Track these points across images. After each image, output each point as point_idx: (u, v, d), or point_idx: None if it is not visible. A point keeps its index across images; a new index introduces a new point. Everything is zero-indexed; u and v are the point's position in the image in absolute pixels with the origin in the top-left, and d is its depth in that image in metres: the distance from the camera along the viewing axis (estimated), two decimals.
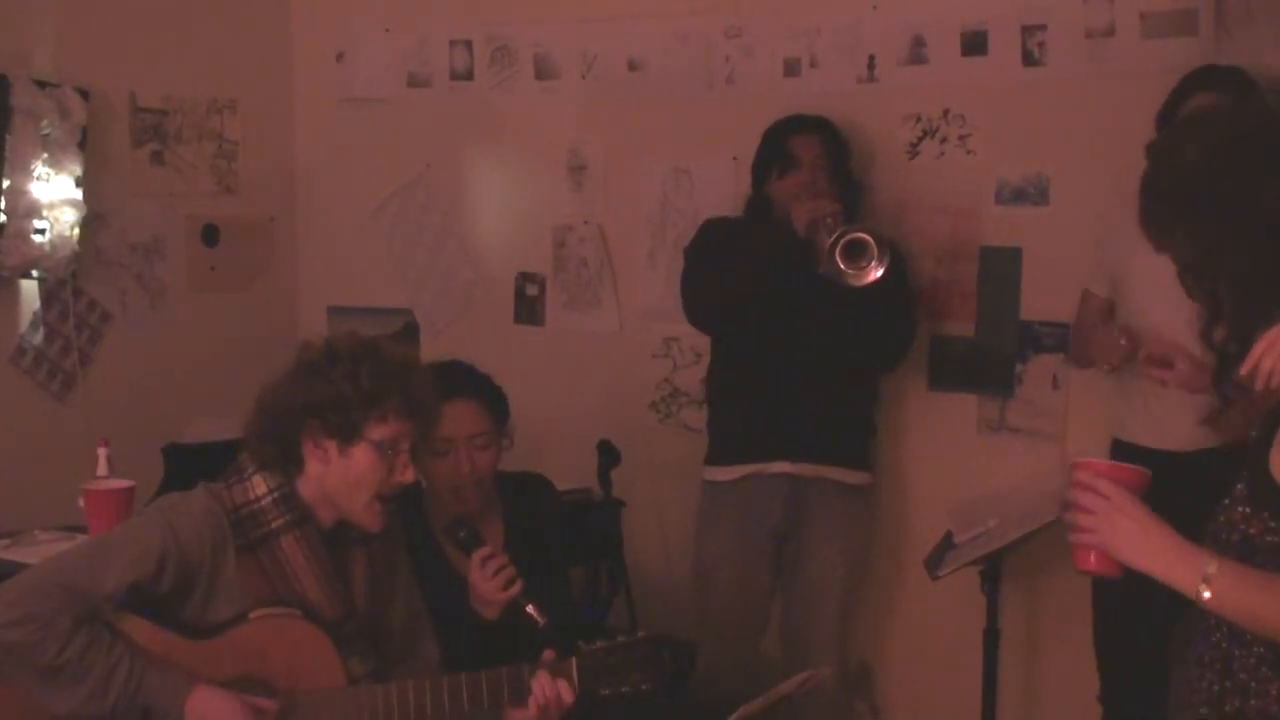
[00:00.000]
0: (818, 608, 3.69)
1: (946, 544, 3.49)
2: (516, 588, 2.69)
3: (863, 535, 3.78)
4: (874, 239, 3.35)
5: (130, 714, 2.21)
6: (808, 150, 3.64)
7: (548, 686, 2.38)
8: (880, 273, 3.35)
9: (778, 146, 3.68)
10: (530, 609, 2.64)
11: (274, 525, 2.38)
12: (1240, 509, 1.81)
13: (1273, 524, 1.77)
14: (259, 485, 2.39)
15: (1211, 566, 1.74)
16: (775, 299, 3.51)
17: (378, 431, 2.36)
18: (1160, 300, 3.23)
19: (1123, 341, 3.22)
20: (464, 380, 2.95)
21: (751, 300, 3.53)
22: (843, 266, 3.35)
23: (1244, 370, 1.79)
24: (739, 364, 3.71)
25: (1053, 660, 3.79)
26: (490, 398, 2.97)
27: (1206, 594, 1.74)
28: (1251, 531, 1.79)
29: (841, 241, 3.34)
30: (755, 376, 3.65)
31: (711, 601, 3.73)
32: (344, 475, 2.38)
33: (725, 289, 3.56)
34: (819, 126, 3.71)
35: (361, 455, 2.37)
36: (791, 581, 3.73)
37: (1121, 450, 3.37)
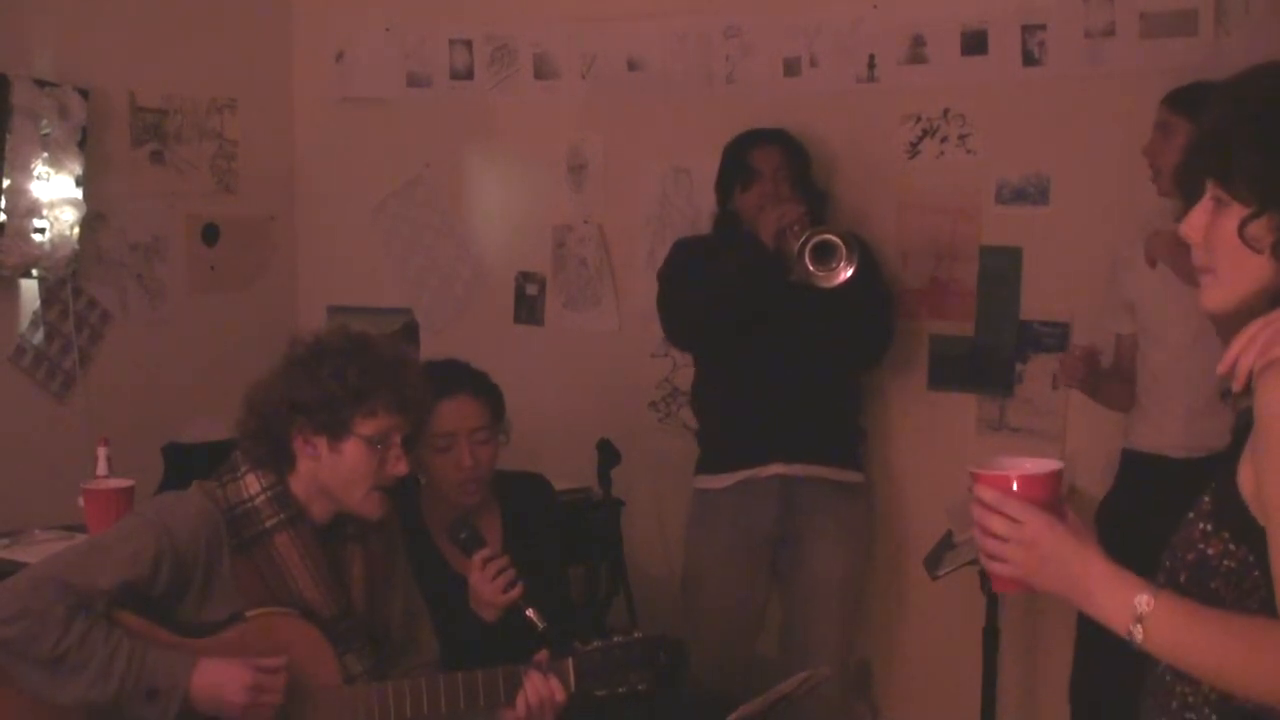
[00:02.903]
0: (818, 610, 3.68)
1: (946, 544, 3.49)
2: (517, 591, 2.69)
3: (860, 535, 3.78)
4: (842, 239, 3.36)
5: (136, 697, 2.20)
6: (768, 161, 3.65)
7: (540, 685, 2.38)
8: (850, 273, 3.36)
9: (738, 161, 3.70)
10: (530, 613, 2.63)
11: (267, 524, 2.38)
12: (1201, 526, 1.59)
13: (1232, 545, 1.55)
14: (252, 484, 2.40)
15: (1144, 603, 1.50)
16: (752, 312, 3.53)
17: (366, 427, 2.37)
18: (1171, 317, 3.26)
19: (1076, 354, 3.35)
20: (462, 376, 2.96)
21: (729, 318, 3.55)
22: (812, 269, 3.36)
23: (1221, 369, 1.56)
24: (724, 372, 3.72)
25: (1052, 660, 3.79)
26: (488, 393, 2.98)
27: (1139, 634, 1.51)
28: (1209, 552, 1.57)
29: (810, 244, 3.35)
30: (741, 383, 3.66)
31: (700, 610, 3.73)
32: (336, 470, 2.38)
33: (702, 311, 3.58)
34: (777, 138, 3.72)
35: (352, 450, 2.37)
36: (790, 585, 3.72)
37: (1131, 458, 3.39)
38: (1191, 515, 1.62)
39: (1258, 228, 1.53)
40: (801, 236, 3.37)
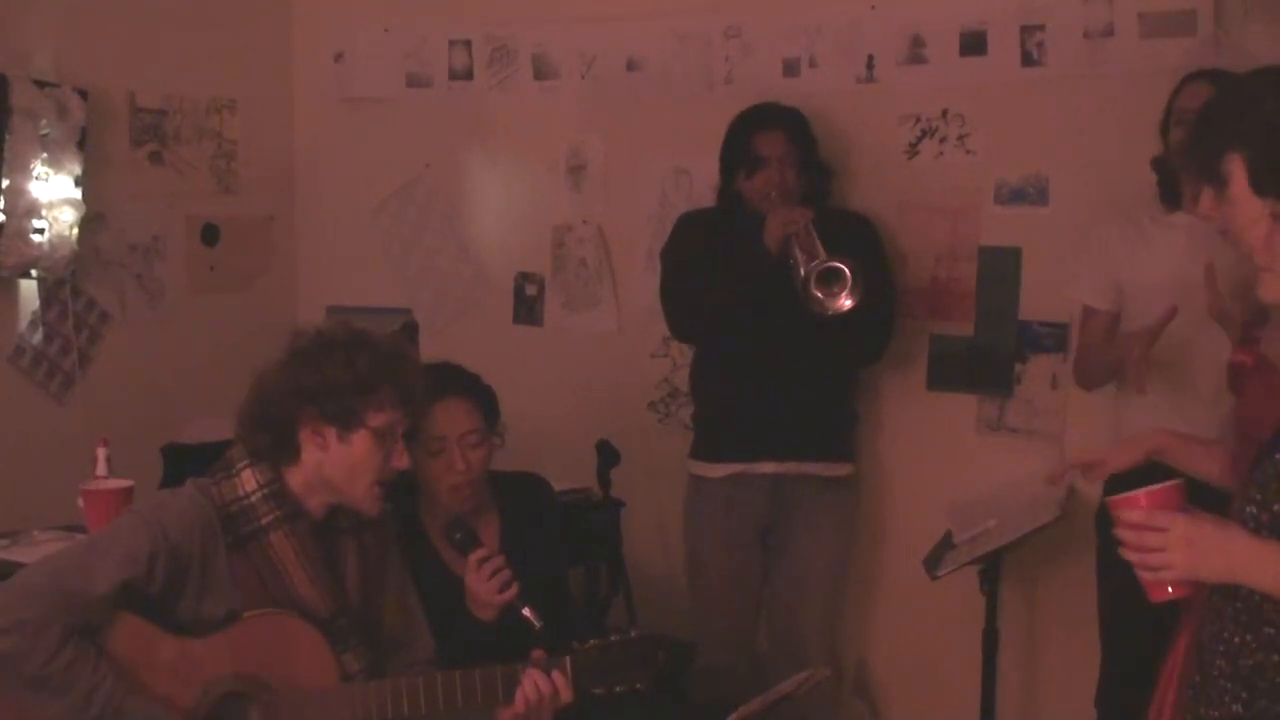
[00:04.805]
0: (804, 598, 3.73)
1: (946, 544, 3.50)
2: (512, 590, 2.69)
3: (846, 525, 3.81)
4: (850, 271, 3.36)
5: None
6: (773, 148, 3.65)
7: (541, 683, 2.38)
8: (850, 304, 3.37)
9: (743, 145, 3.69)
10: (526, 612, 2.63)
11: (263, 521, 2.38)
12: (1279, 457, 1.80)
13: None
14: (248, 481, 2.40)
15: None
16: (755, 309, 3.54)
17: (377, 419, 2.38)
18: (1165, 296, 3.25)
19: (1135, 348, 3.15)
20: (454, 379, 2.95)
21: (732, 319, 3.57)
22: (817, 294, 3.37)
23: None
24: (723, 363, 3.74)
25: (1051, 660, 3.79)
26: (480, 395, 2.97)
27: None
28: None
29: (817, 271, 3.36)
30: (740, 375, 3.68)
31: (703, 590, 3.80)
32: (343, 462, 2.39)
33: (706, 308, 3.60)
34: (782, 121, 3.71)
35: (361, 442, 2.38)
36: (777, 574, 3.77)
37: None
38: (1267, 449, 1.83)
39: None
40: (806, 247, 3.37)
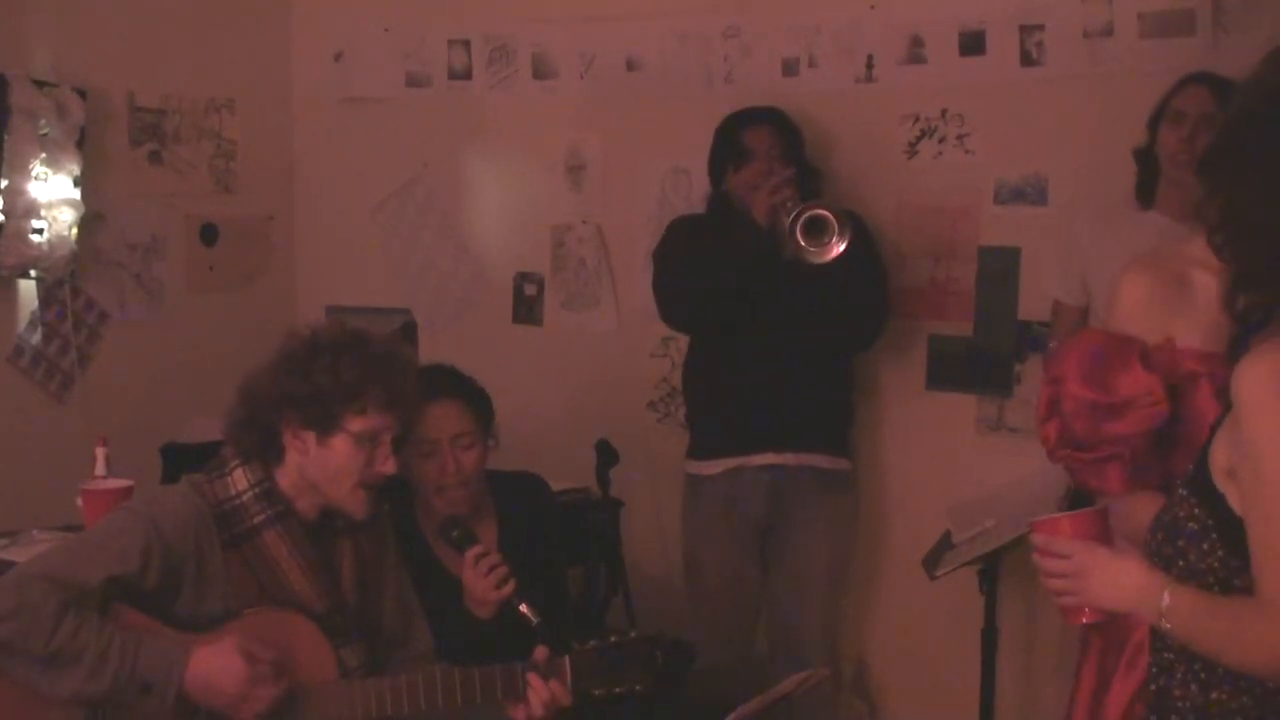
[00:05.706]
0: (803, 598, 3.73)
1: (945, 543, 3.50)
2: (509, 587, 2.68)
3: (845, 524, 3.80)
4: (833, 214, 3.35)
5: (130, 690, 2.21)
6: (760, 141, 3.66)
7: (541, 690, 2.38)
8: (843, 247, 3.35)
9: (730, 141, 3.70)
10: (523, 609, 2.63)
11: (255, 520, 2.38)
12: (1180, 491, 1.80)
13: (1197, 510, 1.75)
14: (239, 480, 2.40)
15: (1165, 599, 1.72)
16: (748, 292, 3.53)
17: (356, 424, 2.37)
18: None
19: None
20: (446, 381, 2.93)
21: (725, 298, 3.55)
22: (804, 244, 3.35)
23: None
24: (717, 357, 3.74)
25: (1051, 660, 3.79)
26: (473, 397, 2.96)
27: (1168, 625, 1.74)
28: (1180, 514, 1.78)
29: (800, 220, 3.34)
30: (734, 368, 3.67)
31: (702, 591, 3.79)
32: (323, 465, 2.38)
33: (699, 291, 3.59)
34: (769, 117, 3.72)
35: (340, 446, 2.37)
36: (776, 573, 3.76)
37: None
38: (1178, 482, 1.83)
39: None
40: (793, 213, 3.37)
